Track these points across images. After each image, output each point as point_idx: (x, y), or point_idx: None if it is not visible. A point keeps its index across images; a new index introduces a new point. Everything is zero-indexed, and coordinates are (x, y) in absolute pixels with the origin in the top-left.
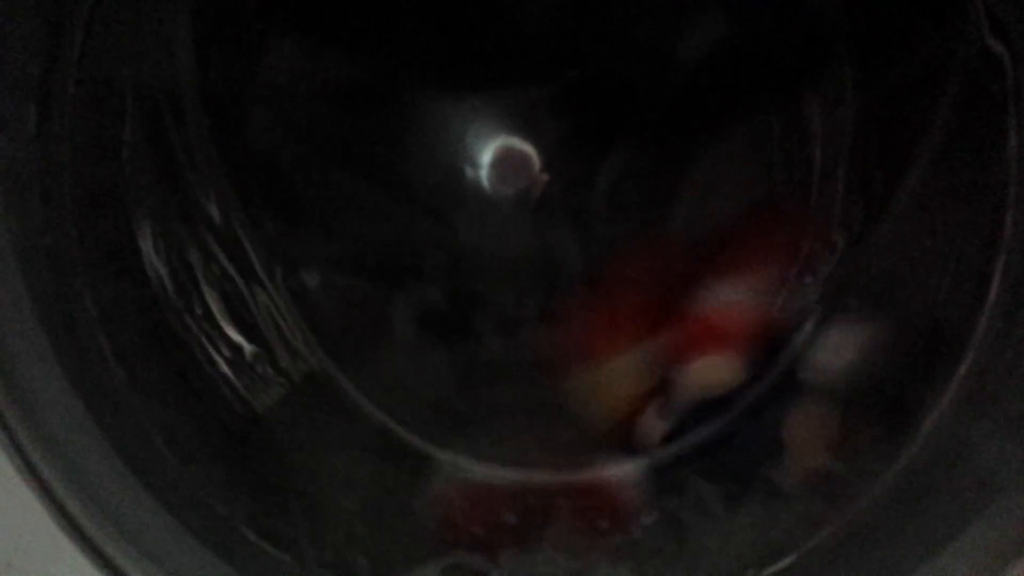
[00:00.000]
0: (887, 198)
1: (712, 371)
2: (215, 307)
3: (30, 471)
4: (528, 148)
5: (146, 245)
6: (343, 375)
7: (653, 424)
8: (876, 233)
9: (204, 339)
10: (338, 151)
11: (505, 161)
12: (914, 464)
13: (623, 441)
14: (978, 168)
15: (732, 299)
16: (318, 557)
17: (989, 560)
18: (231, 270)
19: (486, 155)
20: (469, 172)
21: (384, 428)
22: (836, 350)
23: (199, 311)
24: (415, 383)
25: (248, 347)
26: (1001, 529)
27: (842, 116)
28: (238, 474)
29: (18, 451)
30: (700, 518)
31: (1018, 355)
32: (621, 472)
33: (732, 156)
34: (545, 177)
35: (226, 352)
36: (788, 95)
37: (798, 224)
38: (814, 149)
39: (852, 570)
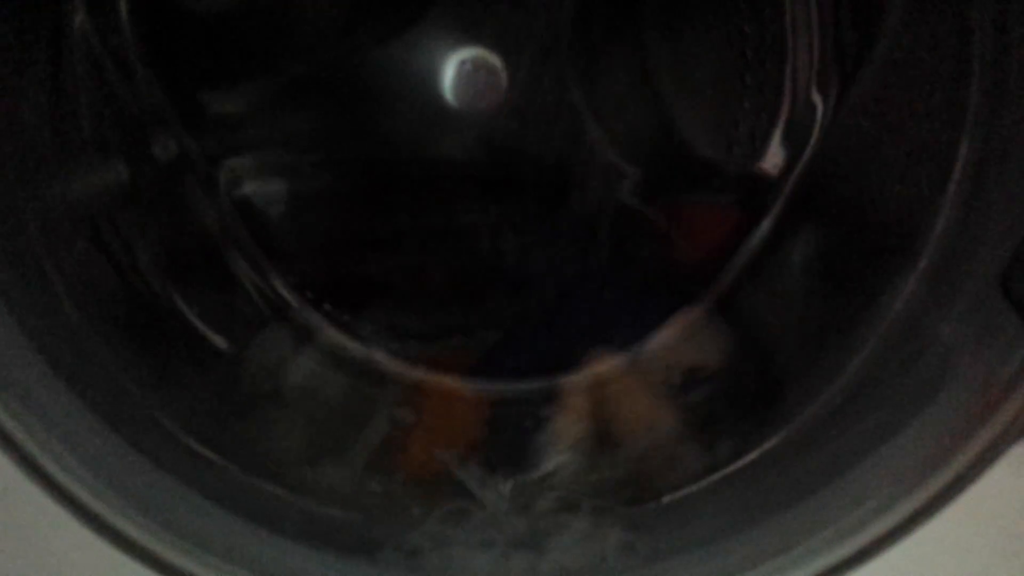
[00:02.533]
0: (860, 60)
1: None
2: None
3: None
4: (495, 59)
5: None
6: (302, 297)
7: None
8: (851, 98)
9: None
10: (298, 66)
11: (471, 73)
12: (876, 353)
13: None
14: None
15: (706, 191)
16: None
17: (947, 438)
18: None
19: (451, 67)
20: (433, 85)
21: (341, 346)
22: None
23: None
24: (380, 300)
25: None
26: (957, 408)
27: None
28: (202, 400)
29: None
30: None
31: (976, 243)
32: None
33: (704, 30)
34: (510, 88)
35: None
36: None
37: (776, 88)
38: (786, 10)
39: (818, 455)
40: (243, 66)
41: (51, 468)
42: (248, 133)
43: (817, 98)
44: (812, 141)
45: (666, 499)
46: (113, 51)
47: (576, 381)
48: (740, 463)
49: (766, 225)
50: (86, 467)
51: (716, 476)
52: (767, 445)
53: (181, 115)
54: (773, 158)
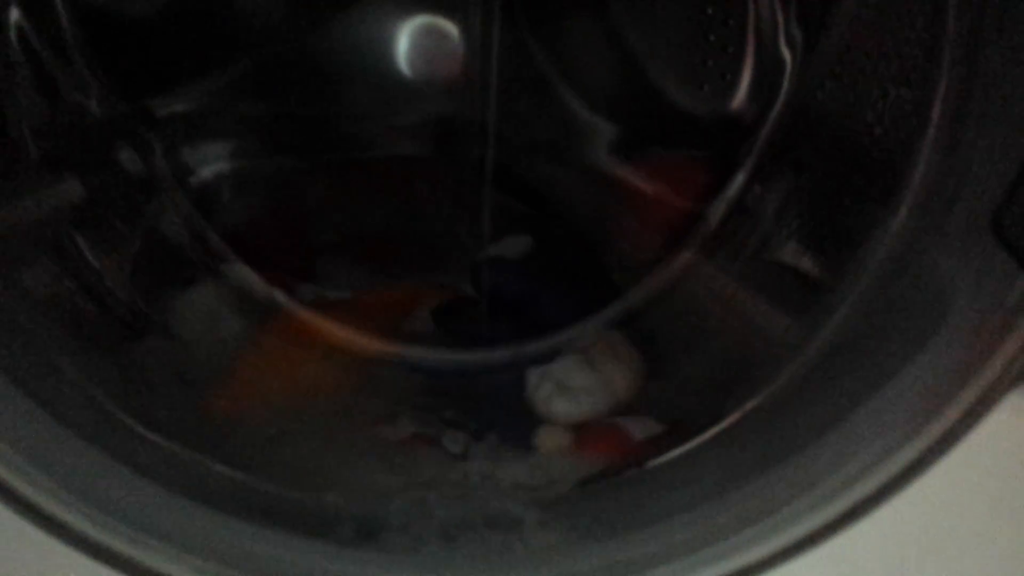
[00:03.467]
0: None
1: None
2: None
3: None
4: (448, 25)
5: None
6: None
7: None
8: (820, 50)
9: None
10: (246, 56)
11: (424, 41)
12: (869, 293)
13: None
14: None
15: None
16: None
17: (939, 386)
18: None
19: (403, 37)
20: (387, 57)
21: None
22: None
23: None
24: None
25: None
26: (949, 355)
27: None
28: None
29: None
30: None
31: (962, 185)
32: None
33: None
34: (467, 54)
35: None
36: None
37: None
38: None
39: (805, 412)
40: (190, 64)
41: None
42: (205, 126)
43: (785, 52)
44: (783, 92)
45: (649, 465)
46: (53, 56)
47: (544, 349)
48: (724, 424)
49: (742, 176)
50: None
51: (700, 439)
52: (750, 404)
53: (132, 117)
54: (743, 101)
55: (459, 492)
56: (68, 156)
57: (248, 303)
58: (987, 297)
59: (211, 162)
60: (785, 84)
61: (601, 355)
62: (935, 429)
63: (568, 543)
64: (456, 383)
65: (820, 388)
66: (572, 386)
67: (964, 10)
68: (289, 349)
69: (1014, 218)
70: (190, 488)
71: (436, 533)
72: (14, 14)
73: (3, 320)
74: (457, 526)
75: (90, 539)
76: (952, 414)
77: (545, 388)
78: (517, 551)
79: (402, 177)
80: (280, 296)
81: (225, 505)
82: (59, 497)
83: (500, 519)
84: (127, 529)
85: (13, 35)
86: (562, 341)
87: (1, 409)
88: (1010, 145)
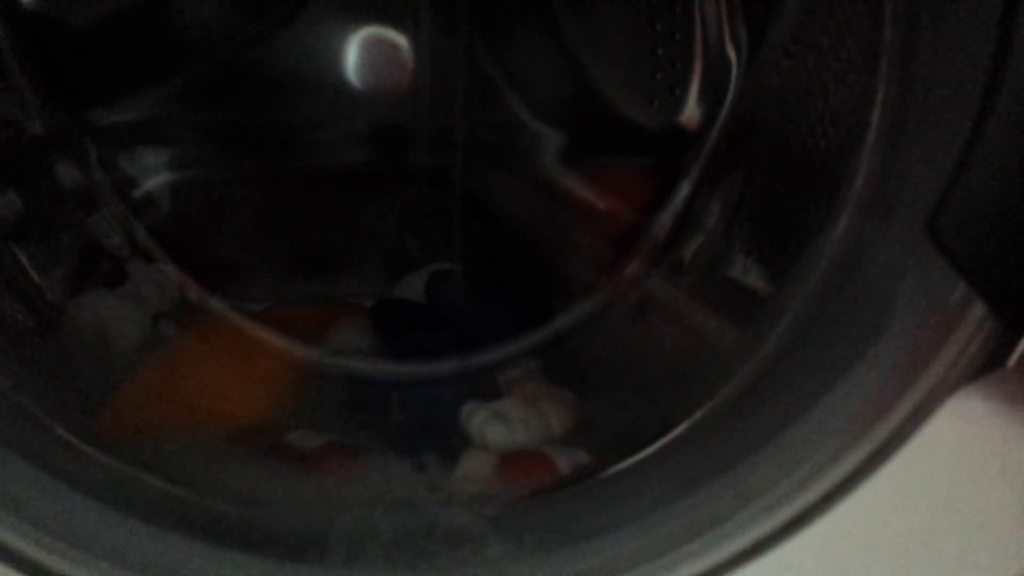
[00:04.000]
0: (770, 16)
1: None
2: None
3: None
4: (396, 35)
5: None
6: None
7: None
8: (764, 51)
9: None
10: (190, 67)
11: (372, 52)
12: (812, 300)
13: None
14: None
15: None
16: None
17: (881, 392)
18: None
19: (351, 48)
20: (335, 68)
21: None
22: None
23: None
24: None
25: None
26: (890, 360)
27: None
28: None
29: None
30: None
31: (901, 189)
32: None
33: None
34: (416, 65)
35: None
36: None
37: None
38: None
39: (749, 422)
40: (131, 74)
41: None
42: (148, 135)
43: (731, 52)
44: (729, 95)
45: (598, 476)
46: None
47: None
48: (672, 435)
49: (688, 185)
50: None
51: (648, 451)
52: (697, 415)
53: (71, 129)
54: (692, 112)
55: (405, 505)
56: (5, 170)
57: (176, 307)
58: (927, 301)
59: (152, 172)
60: (731, 89)
61: (536, 393)
62: (878, 434)
63: (517, 555)
64: (384, 395)
65: (765, 397)
66: (509, 416)
67: (900, 15)
68: (216, 354)
69: (948, 222)
70: (127, 503)
71: (381, 547)
72: None
73: None
74: (404, 539)
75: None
76: (894, 419)
77: (480, 415)
78: (468, 564)
79: (344, 187)
80: (215, 303)
81: (162, 520)
82: None
83: (448, 531)
84: (62, 545)
85: None
86: (503, 355)
87: None
88: (945, 149)
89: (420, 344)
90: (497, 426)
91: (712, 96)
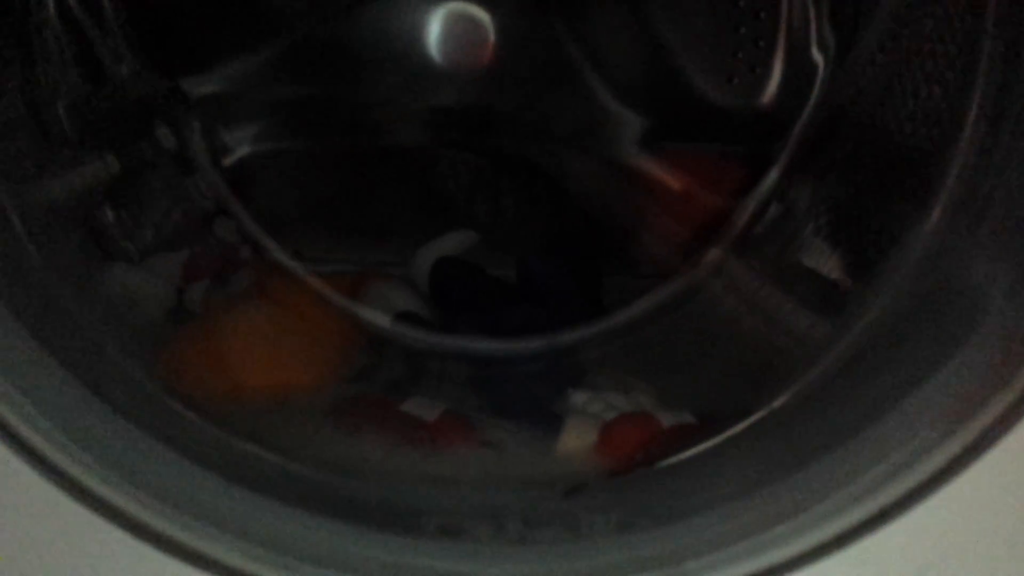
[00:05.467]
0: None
1: None
2: None
3: None
4: (480, 12)
5: None
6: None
7: None
8: (855, 51)
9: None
10: (282, 35)
11: (455, 28)
12: (900, 294)
13: None
14: None
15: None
16: None
17: (977, 386)
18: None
19: (435, 23)
20: (418, 43)
21: None
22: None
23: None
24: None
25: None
26: (989, 353)
27: None
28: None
29: None
30: None
31: (1001, 171)
32: None
33: None
34: (498, 42)
35: None
36: None
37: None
38: None
39: (830, 413)
40: (225, 44)
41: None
42: (239, 106)
43: (817, 54)
44: (816, 90)
45: (663, 464)
46: (93, 29)
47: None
48: (750, 421)
49: (774, 174)
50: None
51: (720, 438)
52: (776, 403)
53: (168, 97)
54: (773, 94)
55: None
56: (104, 134)
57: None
58: (1022, 300)
59: (240, 144)
60: (818, 82)
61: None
62: (968, 433)
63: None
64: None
65: (849, 388)
66: (608, 400)
67: (1004, 10)
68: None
69: None
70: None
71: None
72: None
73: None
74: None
75: (136, 519)
76: (985, 418)
77: (581, 394)
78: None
79: (416, 163)
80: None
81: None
82: (103, 476)
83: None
84: (170, 510)
85: (52, 8)
86: (587, 335)
87: (49, 389)
88: None
89: (506, 321)
90: (599, 403)
91: (796, 87)
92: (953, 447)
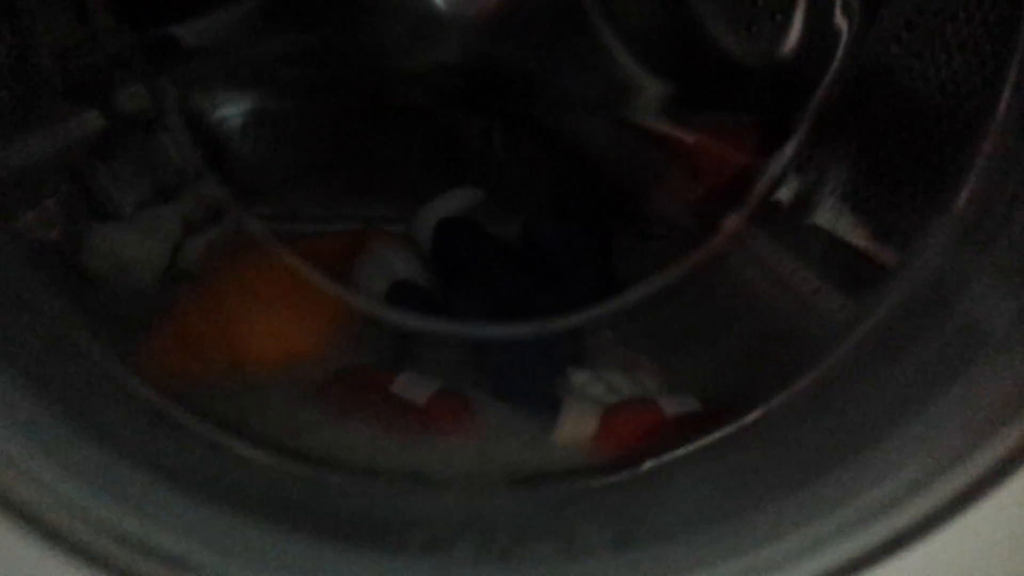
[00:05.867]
0: None
1: None
2: None
3: None
4: None
5: None
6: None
7: None
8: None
9: None
10: None
11: None
12: (903, 305)
13: None
14: None
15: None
16: None
17: (977, 423)
18: None
19: None
20: None
21: None
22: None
23: None
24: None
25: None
26: (990, 388)
27: None
28: None
29: None
30: None
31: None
32: None
33: None
34: None
35: None
36: None
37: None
38: None
39: (837, 415)
40: None
41: None
42: (226, 59)
43: (842, 21)
44: (840, 49)
45: (647, 465)
46: None
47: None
48: (740, 423)
49: (796, 140)
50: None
51: (709, 439)
52: (774, 401)
53: (151, 54)
54: (793, 44)
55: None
56: (89, 86)
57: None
58: None
59: (227, 102)
60: (842, 43)
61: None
62: (989, 454)
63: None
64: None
65: (873, 377)
66: (609, 378)
67: None
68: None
69: None
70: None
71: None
72: None
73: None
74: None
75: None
76: (1007, 440)
77: (582, 375)
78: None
79: (428, 121)
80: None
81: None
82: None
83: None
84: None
85: None
86: (592, 315)
87: None
88: None
89: (507, 293)
90: (600, 385)
91: (819, 39)
92: (995, 449)
